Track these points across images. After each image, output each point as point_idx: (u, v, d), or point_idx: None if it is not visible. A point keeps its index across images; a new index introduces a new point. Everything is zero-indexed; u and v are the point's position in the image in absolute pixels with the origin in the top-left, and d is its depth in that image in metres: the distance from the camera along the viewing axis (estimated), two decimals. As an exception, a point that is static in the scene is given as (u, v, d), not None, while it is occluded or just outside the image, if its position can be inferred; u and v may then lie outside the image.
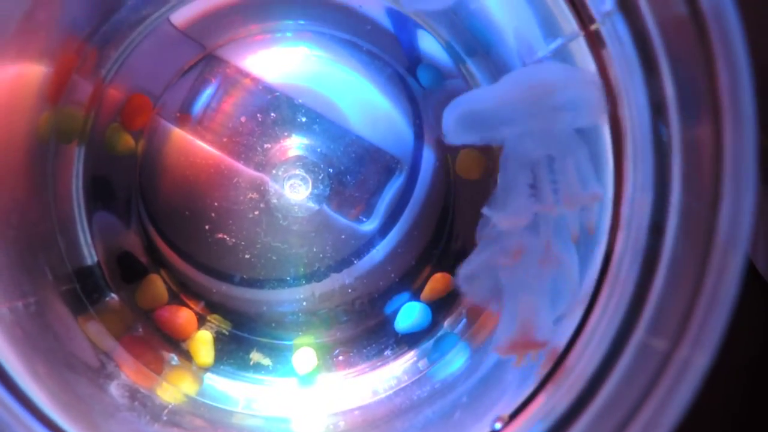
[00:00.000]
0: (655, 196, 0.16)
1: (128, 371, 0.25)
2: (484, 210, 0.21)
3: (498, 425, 0.19)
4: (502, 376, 0.22)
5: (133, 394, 0.24)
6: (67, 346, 0.23)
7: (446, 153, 0.28)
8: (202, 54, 0.28)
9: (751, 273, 0.28)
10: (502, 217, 0.20)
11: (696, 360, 0.14)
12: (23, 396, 0.17)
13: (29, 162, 0.25)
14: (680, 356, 0.14)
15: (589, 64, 0.20)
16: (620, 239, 0.18)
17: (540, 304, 0.20)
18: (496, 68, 0.27)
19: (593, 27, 0.19)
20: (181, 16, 0.27)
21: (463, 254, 0.29)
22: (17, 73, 0.22)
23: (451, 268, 0.29)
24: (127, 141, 0.28)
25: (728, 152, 0.14)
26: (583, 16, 0.20)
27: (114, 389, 0.23)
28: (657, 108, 0.16)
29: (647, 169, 0.17)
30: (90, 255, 0.27)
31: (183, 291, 0.29)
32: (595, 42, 0.19)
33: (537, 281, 0.20)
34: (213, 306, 0.29)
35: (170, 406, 0.25)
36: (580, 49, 0.20)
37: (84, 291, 0.26)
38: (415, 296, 0.29)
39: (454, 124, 0.21)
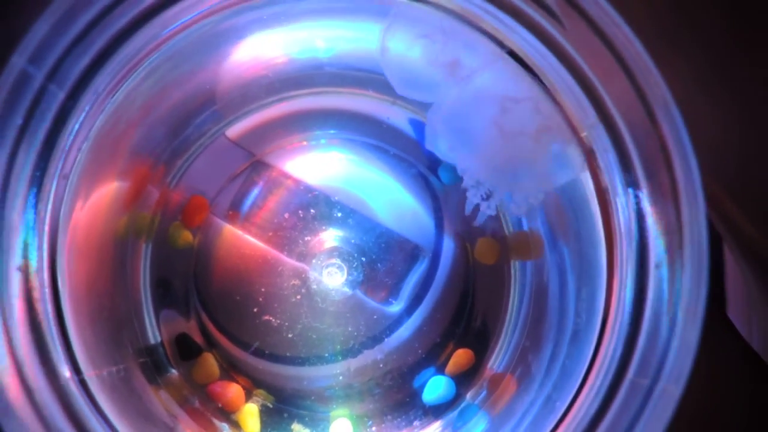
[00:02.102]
0: (637, 269, 0.20)
1: (192, 435, 0.28)
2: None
3: None
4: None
5: None
6: (148, 406, 0.26)
7: (465, 242, 0.31)
8: (251, 160, 0.31)
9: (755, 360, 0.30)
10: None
11: (671, 390, 0.18)
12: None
13: (114, 258, 0.29)
14: (659, 389, 0.18)
15: (582, 163, 0.24)
16: (612, 312, 0.22)
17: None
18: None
19: (583, 134, 0.23)
20: (234, 130, 0.31)
21: (483, 332, 0.32)
22: (109, 188, 0.27)
23: (472, 345, 0.31)
24: (186, 237, 0.31)
25: (686, 225, 0.18)
26: (575, 126, 0.24)
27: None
28: (634, 189, 0.21)
29: (632, 245, 0.21)
30: (154, 336, 0.30)
31: (232, 368, 0.31)
32: (585, 146, 0.24)
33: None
34: (258, 382, 0.31)
35: None
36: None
37: (153, 365, 0.29)
38: (440, 370, 0.31)
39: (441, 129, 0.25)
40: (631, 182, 0.20)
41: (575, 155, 0.23)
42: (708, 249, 0.18)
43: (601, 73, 0.20)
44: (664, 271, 0.19)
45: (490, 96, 0.23)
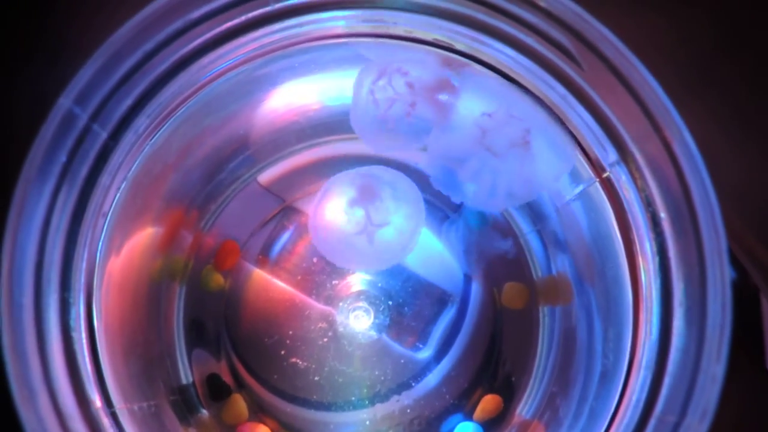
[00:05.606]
0: (662, 305, 0.20)
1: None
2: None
3: None
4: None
5: None
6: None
7: (492, 287, 0.32)
8: (281, 206, 0.32)
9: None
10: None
11: (697, 427, 0.18)
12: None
13: (149, 298, 0.29)
14: (686, 425, 0.18)
15: (605, 204, 0.25)
16: (638, 350, 0.22)
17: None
18: (531, 210, 0.31)
19: (605, 175, 0.24)
20: (266, 176, 0.32)
21: (511, 377, 0.32)
22: (145, 231, 0.28)
23: (500, 391, 0.31)
24: (217, 280, 0.32)
25: (708, 260, 0.18)
26: (596, 167, 0.24)
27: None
28: (655, 225, 0.21)
29: (657, 281, 0.21)
30: (186, 375, 0.31)
31: (261, 410, 0.31)
32: (608, 186, 0.24)
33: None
34: (286, 425, 0.31)
35: None
36: (598, 192, 0.25)
37: (184, 404, 0.30)
38: (468, 416, 0.31)
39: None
40: (653, 218, 0.21)
41: (565, 145, 0.23)
42: (730, 283, 0.18)
43: (619, 112, 0.20)
44: (689, 306, 0.19)
45: (466, 124, 0.24)
